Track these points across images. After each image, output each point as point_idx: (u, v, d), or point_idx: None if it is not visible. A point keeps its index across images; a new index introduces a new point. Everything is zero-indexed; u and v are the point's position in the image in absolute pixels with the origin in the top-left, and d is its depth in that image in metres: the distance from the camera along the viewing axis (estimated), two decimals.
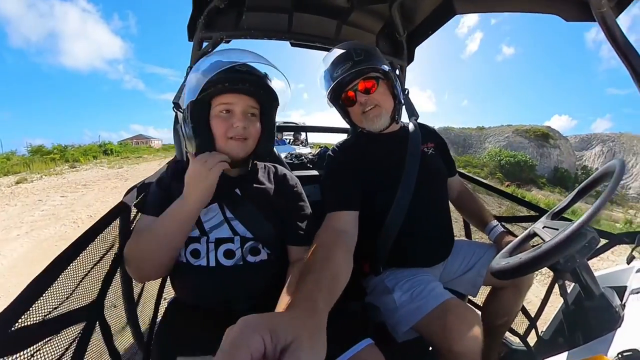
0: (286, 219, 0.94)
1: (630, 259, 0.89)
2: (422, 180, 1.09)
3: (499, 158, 20.39)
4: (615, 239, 1.02)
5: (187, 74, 1.45)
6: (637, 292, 0.72)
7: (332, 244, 0.78)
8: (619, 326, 0.63)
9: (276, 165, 1.06)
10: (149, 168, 12.84)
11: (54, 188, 8.03)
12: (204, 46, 1.54)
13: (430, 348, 0.91)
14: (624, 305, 0.69)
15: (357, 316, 0.99)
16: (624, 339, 0.58)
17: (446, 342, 0.80)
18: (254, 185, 0.94)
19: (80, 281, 0.68)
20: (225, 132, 0.85)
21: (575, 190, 0.87)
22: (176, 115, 1.28)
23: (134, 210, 0.92)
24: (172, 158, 1.56)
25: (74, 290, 0.65)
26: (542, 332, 1.22)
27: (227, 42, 1.59)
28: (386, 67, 1.10)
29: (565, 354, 0.64)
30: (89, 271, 0.71)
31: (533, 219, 1.29)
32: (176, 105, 1.23)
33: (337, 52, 1.13)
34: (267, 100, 0.92)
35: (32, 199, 6.78)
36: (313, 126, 2.42)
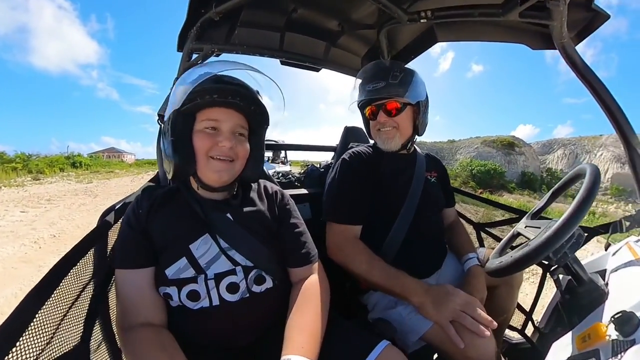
0: (284, 240, 0.88)
1: (607, 246, 1.04)
2: (422, 204, 1.14)
3: (470, 168, 21.40)
4: (592, 232, 1.14)
5: (174, 84, 1.43)
6: (616, 271, 0.84)
7: (367, 250, 1.03)
8: (606, 299, 0.74)
9: (266, 182, 0.99)
10: (121, 184, 12.30)
11: (14, 201, 7.47)
12: (193, 58, 1.54)
13: (442, 355, 0.91)
14: (607, 284, 0.81)
15: (368, 328, 0.98)
16: (612, 306, 0.68)
17: (459, 348, 0.79)
18: (246, 208, 0.85)
19: (59, 324, 0.58)
20: (208, 150, 0.76)
21: (549, 193, 1.00)
22: (160, 129, 1.18)
23: (111, 236, 0.79)
24: (153, 174, 1.36)
25: (53, 335, 0.55)
26: (537, 322, 1.29)
27: (217, 55, 1.60)
28: (414, 100, 1.12)
29: (569, 335, 0.73)
30: (67, 312, 0.60)
31: (513, 221, 1.42)
32: (160, 117, 1.18)
33: (379, 65, 1.19)
34: (258, 119, 0.85)
35: None
36: (298, 145, 2.44)
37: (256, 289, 0.78)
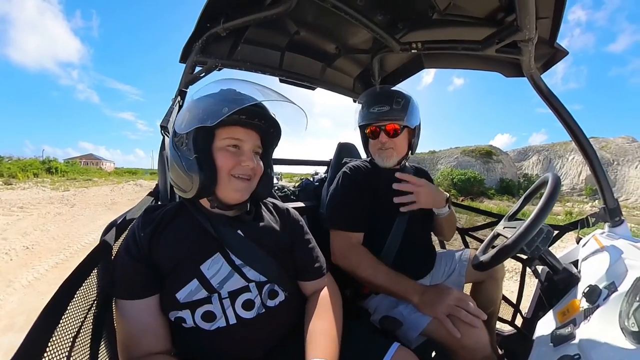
0: (299, 256, 0.91)
1: (578, 240, 1.19)
2: (413, 213, 1.24)
3: (451, 177, 22.40)
4: (564, 229, 1.32)
5: (177, 95, 1.47)
6: (586, 259, 1.00)
7: (371, 256, 1.10)
8: (579, 281, 0.90)
9: (275, 201, 1.00)
10: (100, 193, 11.87)
11: None
12: (196, 70, 1.61)
13: (441, 347, 0.98)
14: (580, 271, 0.96)
15: (377, 330, 1.05)
16: (583, 286, 0.81)
17: (456, 339, 0.88)
18: (257, 223, 0.86)
19: (70, 350, 0.55)
20: (231, 169, 0.76)
21: (522, 198, 1.18)
22: (163, 141, 1.20)
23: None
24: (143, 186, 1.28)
25: None
26: (525, 313, 1.45)
27: (220, 69, 1.68)
28: (413, 124, 1.24)
29: (550, 312, 0.87)
30: (75, 337, 0.57)
31: (493, 224, 1.60)
32: (164, 128, 1.20)
33: (383, 90, 1.32)
34: (272, 138, 0.87)
35: None
36: (292, 159, 2.43)
37: (270, 303, 0.79)
